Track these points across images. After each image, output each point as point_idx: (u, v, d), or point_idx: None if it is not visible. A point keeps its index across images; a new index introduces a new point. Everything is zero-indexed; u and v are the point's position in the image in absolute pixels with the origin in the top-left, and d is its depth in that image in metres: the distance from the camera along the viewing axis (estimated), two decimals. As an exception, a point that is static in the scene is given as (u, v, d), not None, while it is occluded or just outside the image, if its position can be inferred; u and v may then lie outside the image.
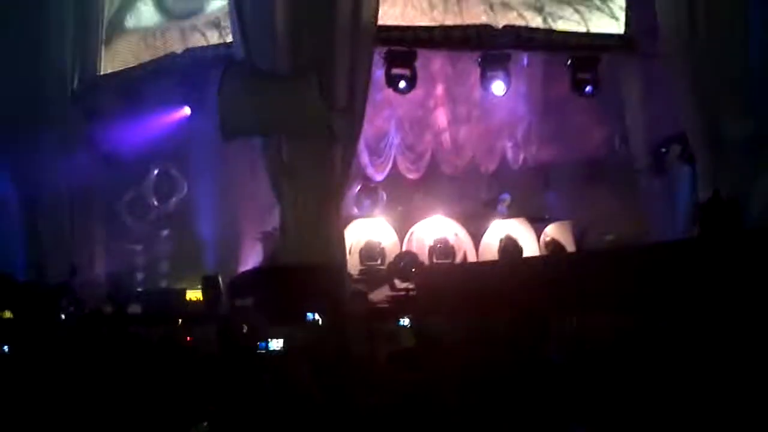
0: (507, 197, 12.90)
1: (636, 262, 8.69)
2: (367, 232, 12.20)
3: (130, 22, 13.44)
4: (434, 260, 11.97)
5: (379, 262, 11.95)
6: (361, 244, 12.05)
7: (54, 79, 12.99)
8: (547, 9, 11.97)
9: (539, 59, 12.88)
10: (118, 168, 13.13)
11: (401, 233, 12.27)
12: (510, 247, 12.15)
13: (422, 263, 11.58)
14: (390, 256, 11.96)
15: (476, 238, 12.32)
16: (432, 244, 12.19)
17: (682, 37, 10.94)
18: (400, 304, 9.32)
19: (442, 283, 9.19)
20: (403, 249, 12.09)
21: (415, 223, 12.42)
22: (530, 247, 12.31)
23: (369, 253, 11.99)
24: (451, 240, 12.27)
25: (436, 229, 12.36)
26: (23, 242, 12.59)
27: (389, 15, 11.48)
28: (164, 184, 13.64)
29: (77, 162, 12.68)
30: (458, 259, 12.14)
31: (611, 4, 12.08)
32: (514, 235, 12.29)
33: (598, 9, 12.07)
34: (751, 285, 6.47)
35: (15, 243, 12.58)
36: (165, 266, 13.36)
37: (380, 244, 12.14)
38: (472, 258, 12.15)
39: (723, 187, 10.22)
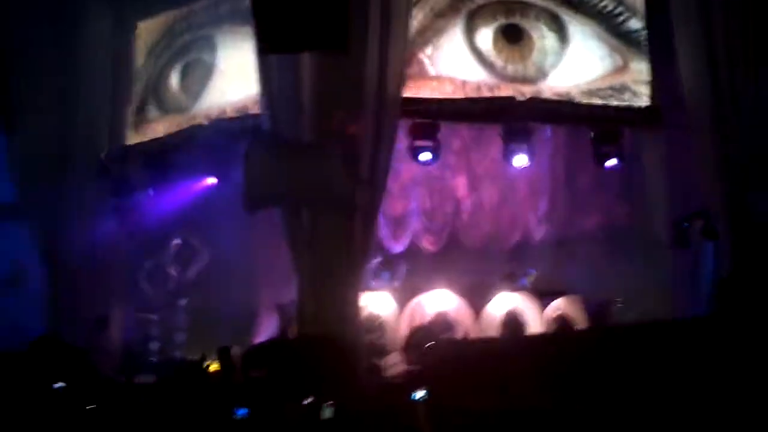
0: (533, 272, 12.78)
1: (656, 339, 8.58)
2: (367, 304, 12.06)
3: (156, 105, 13.69)
4: (426, 334, 11.77)
5: (378, 335, 11.78)
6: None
7: (83, 148, 13.17)
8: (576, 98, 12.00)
9: (562, 132, 12.91)
10: (140, 236, 13.24)
11: (402, 306, 12.18)
12: (513, 323, 11.99)
13: (439, 339, 11.42)
14: (389, 330, 11.85)
15: (479, 312, 12.19)
16: (432, 317, 12.08)
17: (707, 109, 10.87)
18: (414, 379, 9.13)
19: (456, 360, 9.05)
20: (403, 322, 11.97)
21: (417, 296, 12.32)
22: (534, 323, 12.11)
23: (368, 325, 11.77)
24: (452, 313, 12.14)
25: (438, 303, 12.24)
26: (42, 308, 12.60)
27: (413, 89, 11.57)
28: (184, 254, 13.70)
29: (100, 230, 12.79)
30: (459, 334, 11.98)
31: (636, 79, 12.06)
32: (519, 310, 12.14)
33: (623, 93, 12.05)
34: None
35: (34, 309, 12.61)
36: (181, 336, 13.32)
37: (380, 317, 12.02)
38: (473, 333, 11.99)
39: (746, 264, 10.07)
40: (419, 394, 6.85)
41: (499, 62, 11.81)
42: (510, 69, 11.84)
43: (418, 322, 12.11)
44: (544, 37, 11.87)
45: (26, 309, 12.70)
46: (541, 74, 11.84)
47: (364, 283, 11.28)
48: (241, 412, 7.07)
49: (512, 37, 11.87)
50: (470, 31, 11.82)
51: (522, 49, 11.84)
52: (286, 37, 10.46)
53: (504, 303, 12.23)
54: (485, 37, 11.81)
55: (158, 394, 9.35)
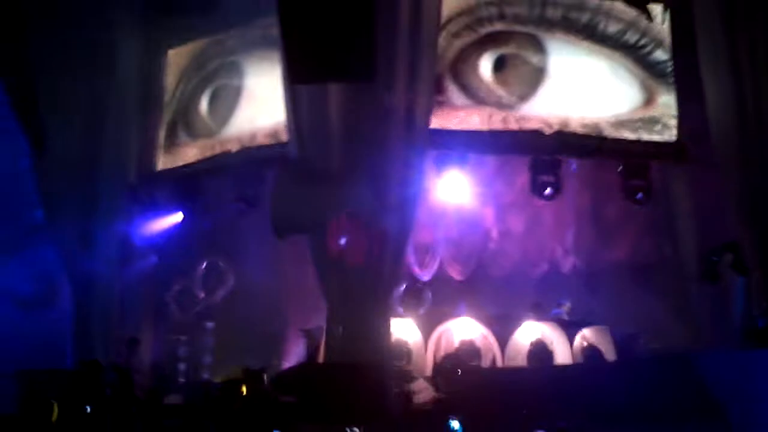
0: (567, 303, 12.73)
1: (683, 372, 8.54)
2: (394, 331, 12.05)
3: (186, 130, 13.84)
4: (456, 361, 11.74)
5: (405, 362, 11.77)
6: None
7: (113, 173, 13.32)
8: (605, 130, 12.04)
9: (589, 165, 12.93)
10: (169, 259, 13.33)
11: (426, 334, 12.17)
12: (540, 353, 11.94)
13: (467, 366, 11.39)
14: (416, 357, 11.83)
15: (504, 341, 12.15)
16: (458, 345, 12.05)
17: (733, 143, 10.86)
18: (445, 405, 9.12)
19: (484, 388, 9.04)
20: (430, 349, 11.96)
21: (442, 323, 12.31)
22: (563, 353, 12.05)
23: (395, 352, 11.64)
24: (478, 342, 12.12)
25: (463, 331, 12.23)
26: (73, 330, 12.68)
27: (439, 121, 11.64)
28: (212, 277, 13.78)
29: (130, 253, 12.90)
30: (486, 361, 11.95)
31: (664, 113, 12.06)
32: (547, 340, 12.09)
33: (652, 125, 12.06)
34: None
35: (65, 328, 12.70)
36: (208, 358, 13.37)
37: (407, 343, 12.01)
38: (500, 361, 11.96)
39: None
40: (454, 424, 6.82)
41: (517, 104, 11.92)
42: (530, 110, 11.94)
43: (444, 349, 12.09)
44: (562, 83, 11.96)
45: (57, 328, 12.80)
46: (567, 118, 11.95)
47: (392, 310, 11.32)
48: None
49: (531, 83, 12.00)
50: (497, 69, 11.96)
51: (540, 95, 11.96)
52: (314, 68, 10.61)
53: (531, 332, 12.19)
54: (487, 66, 11.95)
55: (187, 415, 9.37)
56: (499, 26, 11.98)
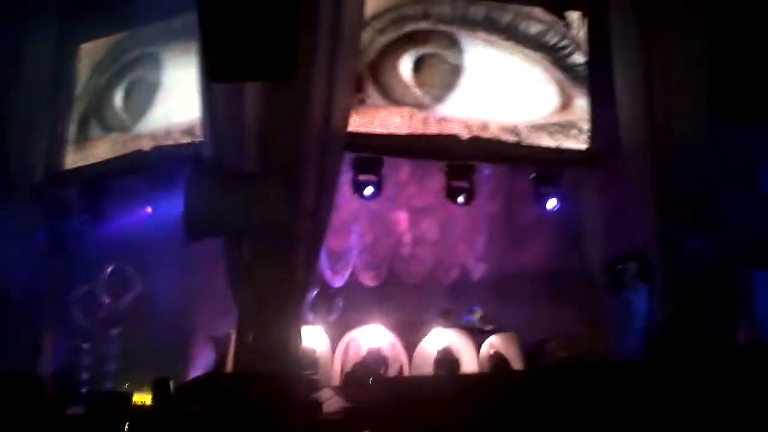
0: (478, 309, 12.79)
1: (590, 381, 8.66)
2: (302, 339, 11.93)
3: (97, 126, 13.38)
4: (365, 370, 11.69)
5: (312, 371, 11.59)
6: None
7: (18, 172, 12.82)
8: (523, 133, 12.10)
9: (502, 171, 13.07)
10: (74, 263, 12.89)
11: (335, 342, 12.09)
12: (447, 361, 11.98)
13: (375, 375, 11.33)
14: (323, 365, 11.72)
15: (413, 348, 12.14)
16: (365, 353, 12.01)
17: (643, 152, 11.08)
18: (356, 417, 9.03)
19: (393, 398, 8.98)
20: (337, 357, 11.88)
21: (351, 331, 12.26)
22: (469, 360, 12.12)
23: (303, 361, 11.42)
24: (386, 350, 12.10)
25: (371, 339, 12.20)
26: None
27: (357, 122, 11.58)
28: (118, 282, 13.37)
29: (33, 255, 12.43)
30: (393, 370, 11.93)
31: (580, 117, 12.26)
32: (454, 347, 12.13)
33: (568, 130, 12.22)
34: (714, 407, 6.41)
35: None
36: (113, 366, 12.95)
37: (314, 351, 11.89)
38: (407, 370, 11.96)
39: (681, 306, 10.25)
40: None
41: (435, 103, 11.95)
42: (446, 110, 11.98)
43: (352, 357, 12.01)
44: (481, 87, 12.05)
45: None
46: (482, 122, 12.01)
47: (303, 317, 11.19)
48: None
49: (447, 85, 12.04)
50: (417, 72, 11.95)
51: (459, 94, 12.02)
52: (232, 65, 10.40)
53: (438, 340, 12.20)
54: (407, 66, 11.96)
55: (88, 427, 9.05)
56: (423, 24, 12.00)
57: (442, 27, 12.02)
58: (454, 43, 12.03)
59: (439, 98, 11.96)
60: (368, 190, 11.98)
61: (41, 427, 7.83)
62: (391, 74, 11.94)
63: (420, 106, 11.93)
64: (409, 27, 11.98)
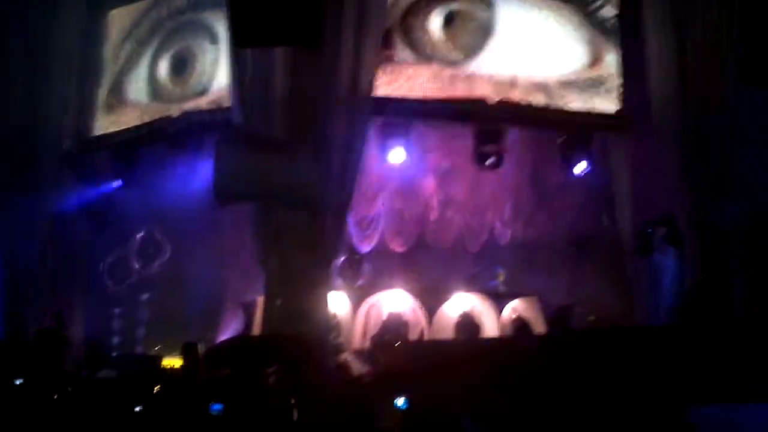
0: (500, 271, 12.77)
1: (617, 345, 8.63)
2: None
3: (128, 92, 13.43)
4: (387, 334, 11.73)
5: (334, 334, 11.68)
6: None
7: (48, 138, 12.87)
8: (553, 90, 11.94)
9: (531, 135, 12.95)
10: (104, 229, 13.03)
11: (356, 305, 12.14)
12: (467, 325, 11.97)
13: (394, 339, 11.37)
14: (345, 329, 11.79)
15: (434, 313, 12.15)
16: (386, 318, 12.05)
17: (674, 116, 10.91)
18: (386, 379, 9.08)
19: (415, 361, 9.03)
20: (359, 322, 11.93)
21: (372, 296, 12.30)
22: (491, 325, 12.10)
23: (331, 325, 11.56)
24: (407, 314, 12.13)
25: (393, 303, 12.22)
26: (3, 300, 12.33)
27: (386, 86, 11.50)
28: (148, 248, 13.52)
29: (64, 221, 12.57)
30: (414, 334, 11.97)
31: (609, 73, 12.02)
32: (475, 311, 12.12)
33: (598, 87, 12.04)
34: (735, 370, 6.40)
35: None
36: (142, 331, 13.16)
37: (336, 316, 11.95)
38: (427, 334, 11.99)
39: (708, 273, 10.16)
40: (400, 401, 6.75)
41: (463, 62, 11.79)
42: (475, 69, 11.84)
43: (373, 322, 12.07)
44: (508, 42, 11.81)
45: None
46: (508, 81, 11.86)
47: (330, 282, 11.25)
48: (216, 407, 6.96)
49: (474, 43, 11.86)
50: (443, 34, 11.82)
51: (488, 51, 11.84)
52: (260, 32, 10.40)
53: (460, 304, 12.19)
54: (437, 22, 11.79)
55: (118, 389, 9.21)
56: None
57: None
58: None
59: (468, 54, 11.73)
60: (396, 156, 11.90)
61: (71, 387, 8.02)
62: (421, 30, 11.75)
63: (449, 62, 11.73)
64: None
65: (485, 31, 11.81)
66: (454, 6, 11.84)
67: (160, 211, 13.08)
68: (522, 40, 11.87)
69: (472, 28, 11.86)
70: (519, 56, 11.84)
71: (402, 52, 11.75)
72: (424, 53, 11.79)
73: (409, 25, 11.81)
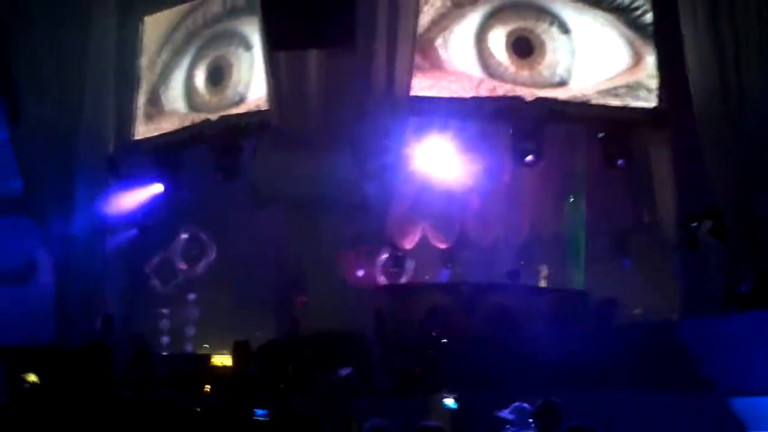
0: (544, 268, 12.74)
1: (664, 338, 8.61)
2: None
3: (166, 102, 13.62)
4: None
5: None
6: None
7: (91, 143, 13.07)
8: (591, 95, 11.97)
9: (571, 131, 12.91)
10: (149, 231, 13.21)
11: (399, 302, 12.12)
12: (506, 320, 11.87)
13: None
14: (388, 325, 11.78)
15: (473, 308, 12.04)
16: (425, 312, 12.02)
17: (714, 108, 10.83)
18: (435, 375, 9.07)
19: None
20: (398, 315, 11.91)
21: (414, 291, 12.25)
22: (531, 320, 11.93)
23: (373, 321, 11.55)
24: (450, 309, 12.09)
25: (435, 299, 12.19)
26: (53, 305, 12.52)
27: (422, 85, 11.54)
28: (193, 248, 13.69)
29: (109, 225, 12.76)
30: (453, 330, 11.91)
31: (649, 75, 12.01)
32: (514, 306, 12.01)
33: (635, 89, 12.02)
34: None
35: (44, 306, 12.54)
36: (191, 330, 13.33)
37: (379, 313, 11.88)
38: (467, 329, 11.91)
39: (756, 266, 10.06)
40: (449, 401, 6.80)
41: (510, 71, 11.84)
42: (521, 77, 11.88)
43: (416, 317, 12.02)
44: (555, 50, 11.86)
45: (37, 302, 12.64)
46: (554, 83, 11.89)
47: (374, 278, 11.33)
48: (261, 412, 7.03)
49: (523, 50, 11.90)
50: (483, 33, 11.82)
51: (532, 63, 11.88)
52: (294, 35, 10.53)
53: (499, 298, 12.10)
54: (497, 44, 11.81)
55: (170, 387, 9.34)
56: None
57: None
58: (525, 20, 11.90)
59: (521, 67, 11.85)
60: (438, 153, 11.91)
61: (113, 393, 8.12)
62: (481, 47, 11.77)
63: (496, 75, 11.82)
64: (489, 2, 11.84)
65: (537, 45, 11.85)
66: (512, 24, 11.86)
67: (203, 212, 13.24)
68: (570, 49, 11.91)
69: (524, 42, 11.88)
70: (564, 65, 11.89)
71: (445, 61, 11.77)
72: (476, 67, 11.81)
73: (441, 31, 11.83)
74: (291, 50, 10.76)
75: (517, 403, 5.35)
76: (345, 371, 7.00)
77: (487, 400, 6.53)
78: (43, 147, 12.80)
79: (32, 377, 7.08)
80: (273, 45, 10.72)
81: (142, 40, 13.92)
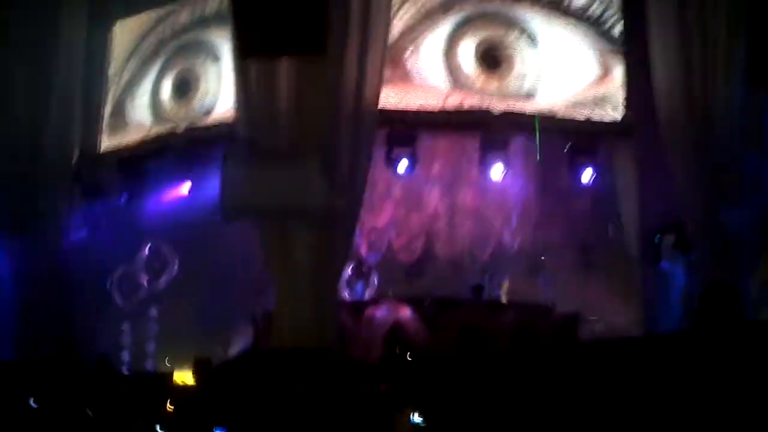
0: (506, 283, 12.74)
1: (625, 354, 8.60)
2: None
3: (130, 113, 13.47)
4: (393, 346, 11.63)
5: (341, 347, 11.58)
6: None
7: (55, 155, 12.89)
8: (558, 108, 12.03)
9: (537, 145, 12.95)
10: (111, 244, 13.03)
11: (363, 317, 12.06)
12: (470, 337, 11.85)
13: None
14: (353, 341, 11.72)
15: (435, 324, 12.01)
16: (392, 329, 11.97)
17: (680, 121, 10.86)
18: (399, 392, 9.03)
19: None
20: (365, 334, 11.86)
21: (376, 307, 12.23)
22: (494, 336, 11.94)
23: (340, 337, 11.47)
24: (408, 327, 12.04)
25: (399, 314, 12.15)
26: (15, 320, 12.30)
27: (391, 98, 11.56)
28: (155, 262, 13.52)
29: (72, 238, 12.58)
30: (414, 346, 11.86)
31: (613, 89, 12.09)
32: (477, 323, 12.00)
33: (603, 102, 12.08)
34: (750, 378, 6.36)
35: (6, 322, 12.32)
36: (152, 346, 13.15)
37: (343, 328, 11.79)
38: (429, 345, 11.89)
39: (720, 277, 10.12)
40: (416, 417, 6.71)
41: (478, 83, 11.89)
42: (489, 89, 11.90)
43: (375, 333, 11.95)
44: (524, 62, 11.93)
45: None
46: (522, 94, 11.93)
47: (339, 294, 11.23)
48: (219, 430, 6.92)
49: (492, 62, 11.94)
50: (453, 44, 11.84)
51: (501, 74, 11.92)
52: (264, 42, 10.45)
53: (463, 315, 12.07)
54: (466, 55, 11.85)
55: (130, 405, 9.18)
56: (467, 7, 11.91)
57: (487, 5, 11.91)
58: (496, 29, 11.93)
59: (489, 77, 11.90)
60: (402, 166, 11.92)
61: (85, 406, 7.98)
62: (450, 59, 11.82)
63: (465, 85, 11.87)
64: (457, 13, 11.87)
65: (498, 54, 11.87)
66: (478, 35, 11.88)
67: (166, 225, 13.09)
68: (539, 58, 11.98)
69: (492, 53, 11.91)
70: (529, 77, 11.95)
71: (408, 72, 11.76)
72: (445, 79, 11.85)
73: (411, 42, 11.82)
74: (262, 57, 10.65)
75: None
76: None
77: (453, 416, 6.46)
78: (5, 158, 12.57)
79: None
80: (243, 52, 10.62)
81: (111, 48, 13.76)
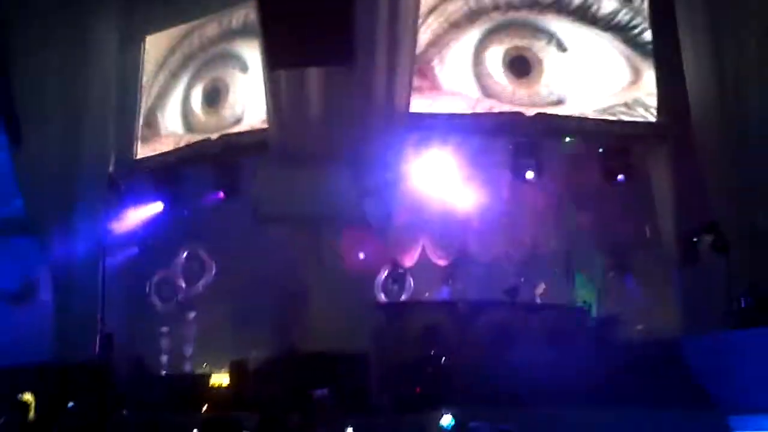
0: (541, 284, 12.68)
1: (665, 356, 8.54)
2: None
3: (162, 124, 13.71)
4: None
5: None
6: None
7: (92, 163, 13.09)
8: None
9: (570, 146, 12.91)
10: (149, 250, 13.23)
11: (398, 319, 12.07)
12: (505, 337, 11.77)
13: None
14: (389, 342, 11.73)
15: (470, 326, 11.97)
16: (420, 331, 11.94)
17: (714, 123, 10.81)
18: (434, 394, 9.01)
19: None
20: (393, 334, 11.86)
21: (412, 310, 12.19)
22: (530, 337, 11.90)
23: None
24: (441, 327, 12.02)
25: (426, 317, 12.13)
26: (53, 324, 12.52)
27: (420, 105, 11.56)
28: (193, 267, 13.70)
29: (110, 243, 12.77)
30: (448, 349, 11.82)
31: (644, 94, 12.00)
32: (514, 324, 11.93)
33: (634, 107, 12.01)
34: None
35: (44, 322, 12.55)
36: (190, 349, 13.31)
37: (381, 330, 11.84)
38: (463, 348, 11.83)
39: (759, 280, 9.99)
40: (445, 420, 6.71)
41: (507, 91, 11.88)
42: (518, 96, 11.89)
43: (409, 336, 11.96)
44: (553, 69, 11.90)
45: (37, 322, 12.65)
46: (552, 102, 11.91)
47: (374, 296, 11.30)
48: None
49: (521, 69, 11.93)
50: (480, 52, 11.84)
51: (530, 82, 11.91)
52: (293, 54, 10.56)
53: (498, 316, 12.03)
54: (494, 63, 11.84)
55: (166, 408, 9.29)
56: (495, 16, 11.91)
57: (513, 15, 11.88)
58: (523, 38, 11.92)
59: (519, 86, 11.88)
60: (438, 169, 11.91)
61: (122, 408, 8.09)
62: (478, 68, 11.82)
63: (493, 95, 11.86)
64: (485, 23, 11.87)
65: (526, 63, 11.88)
66: (506, 44, 11.87)
67: (202, 230, 13.26)
68: (566, 68, 11.94)
69: (521, 62, 11.91)
70: (562, 84, 11.93)
71: (437, 80, 11.79)
72: (474, 87, 11.84)
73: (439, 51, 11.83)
74: (290, 69, 10.76)
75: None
76: (319, 392, 6.94)
77: (486, 418, 6.47)
78: (44, 167, 12.81)
79: (27, 396, 7.05)
80: (272, 64, 10.72)
81: (143, 60, 13.97)
